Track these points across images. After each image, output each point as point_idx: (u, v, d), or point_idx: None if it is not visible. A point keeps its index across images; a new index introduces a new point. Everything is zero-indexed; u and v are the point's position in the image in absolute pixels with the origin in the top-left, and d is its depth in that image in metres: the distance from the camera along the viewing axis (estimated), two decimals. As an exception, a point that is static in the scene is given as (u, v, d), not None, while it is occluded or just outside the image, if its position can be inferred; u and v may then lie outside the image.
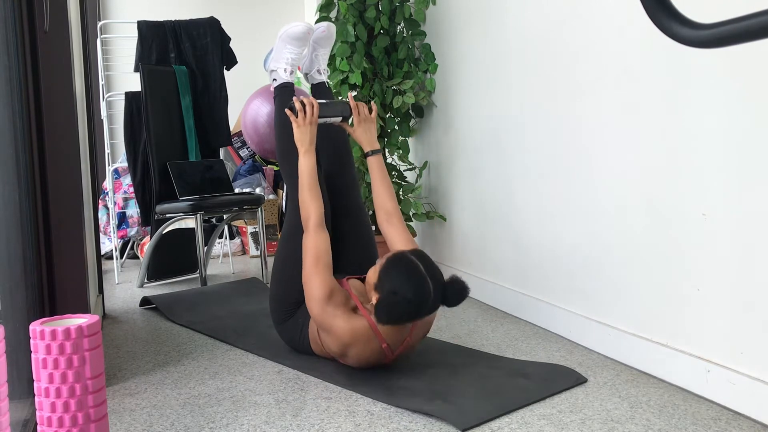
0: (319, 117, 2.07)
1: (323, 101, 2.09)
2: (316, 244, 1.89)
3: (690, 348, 1.70)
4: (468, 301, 2.83)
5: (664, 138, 1.74)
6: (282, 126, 2.25)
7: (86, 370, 1.16)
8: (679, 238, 1.71)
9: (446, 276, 2.06)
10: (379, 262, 1.76)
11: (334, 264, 2.18)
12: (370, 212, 3.23)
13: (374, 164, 2.09)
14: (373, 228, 3.05)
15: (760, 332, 1.49)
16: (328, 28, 2.40)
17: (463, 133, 2.93)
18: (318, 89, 2.45)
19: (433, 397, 1.67)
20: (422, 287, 1.66)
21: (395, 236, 2.00)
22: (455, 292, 1.72)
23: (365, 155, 2.12)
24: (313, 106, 2.03)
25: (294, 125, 2.03)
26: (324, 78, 2.46)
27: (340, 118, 2.13)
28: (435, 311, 1.73)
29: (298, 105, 2.02)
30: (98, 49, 3.77)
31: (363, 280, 2.15)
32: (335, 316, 1.79)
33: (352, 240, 2.17)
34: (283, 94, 2.29)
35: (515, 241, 2.53)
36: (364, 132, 2.12)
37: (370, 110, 2.14)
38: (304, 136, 2.02)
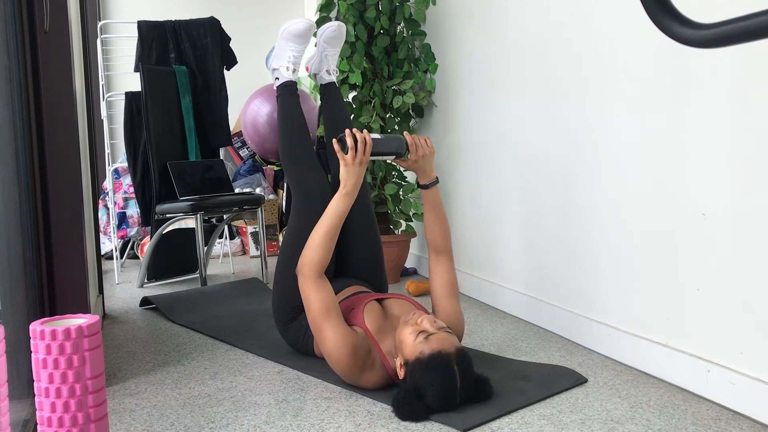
0: (372, 155, 1.80)
1: (377, 136, 1.81)
2: (321, 296, 1.73)
3: (690, 348, 1.70)
4: (468, 301, 2.83)
5: (664, 138, 1.74)
6: (285, 127, 2.20)
7: (86, 370, 1.16)
8: (679, 238, 1.71)
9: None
10: (421, 345, 1.56)
11: (338, 263, 2.17)
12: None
13: (429, 198, 1.90)
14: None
15: (760, 332, 1.49)
16: (339, 28, 2.34)
17: (463, 133, 2.93)
18: (327, 89, 2.40)
19: (433, 397, 1.67)
20: (450, 403, 1.55)
21: (439, 276, 1.90)
22: (478, 395, 1.62)
23: (421, 186, 1.91)
24: (366, 144, 1.76)
25: (341, 162, 1.76)
26: (333, 78, 2.40)
27: (393, 156, 1.86)
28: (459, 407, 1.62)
29: (350, 141, 1.74)
30: (98, 49, 3.77)
31: (366, 284, 2.14)
32: (362, 376, 1.72)
33: (357, 240, 2.14)
34: (286, 94, 2.25)
35: (515, 241, 2.53)
36: (422, 165, 1.88)
37: (427, 142, 1.89)
38: (349, 177, 1.75)
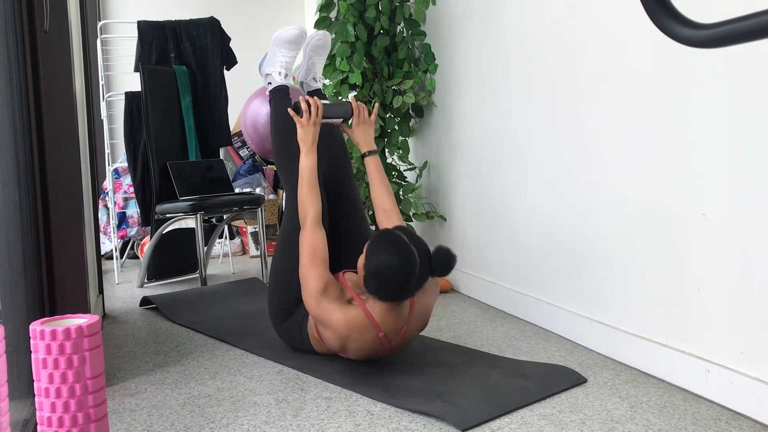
0: (323, 117, 2.11)
1: (327, 102, 2.14)
2: (312, 240, 1.92)
3: (690, 348, 1.70)
4: (468, 301, 2.83)
5: (664, 138, 1.74)
6: (278, 128, 2.26)
7: (86, 370, 1.16)
8: (679, 238, 1.71)
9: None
10: (366, 245, 1.80)
11: (331, 263, 2.18)
12: (370, 212, 3.23)
13: (372, 164, 2.13)
14: (372, 228, 3.04)
15: (760, 332, 1.49)
16: (324, 37, 2.43)
17: (463, 133, 2.93)
18: (314, 95, 2.47)
19: (432, 397, 1.67)
20: (407, 256, 1.68)
21: (391, 224, 2.06)
22: (442, 260, 1.73)
23: (363, 156, 2.15)
24: (318, 107, 2.07)
25: (298, 125, 2.06)
26: (319, 85, 2.50)
27: (341, 119, 2.17)
28: (424, 282, 1.74)
29: (303, 105, 2.05)
30: (98, 49, 3.77)
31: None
32: (331, 309, 1.81)
33: (349, 239, 2.18)
34: (279, 96, 2.31)
35: (515, 241, 2.53)
36: (362, 133, 2.16)
37: (370, 113, 2.18)
38: (307, 136, 2.05)
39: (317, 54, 2.45)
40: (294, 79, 2.55)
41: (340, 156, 2.28)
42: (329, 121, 2.15)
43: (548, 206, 2.29)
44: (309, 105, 2.06)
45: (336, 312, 1.80)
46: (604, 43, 1.95)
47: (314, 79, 2.49)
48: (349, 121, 2.18)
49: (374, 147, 2.16)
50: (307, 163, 2.04)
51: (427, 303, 1.90)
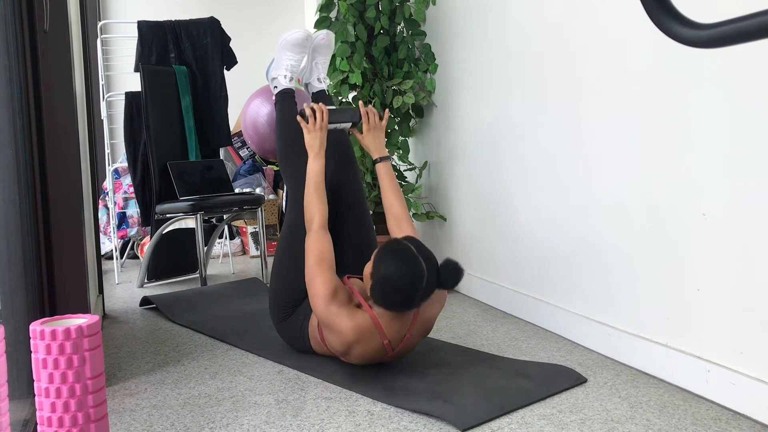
0: (329, 123, 2.10)
1: (333, 107, 2.12)
2: (319, 244, 1.91)
3: (690, 348, 1.70)
4: (468, 301, 2.83)
5: (664, 138, 1.74)
6: (282, 130, 2.26)
7: (86, 370, 1.16)
8: (679, 238, 1.71)
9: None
10: (374, 254, 1.78)
11: (336, 264, 2.17)
12: (371, 212, 3.23)
13: (383, 171, 2.11)
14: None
15: (760, 332, 1.49)
16: (327, 36, 2.41)
17: (463, 133, 2.93)
18: (318, 97, 2.46)
19: (433, 397, 1.67)
20: (415, 268, 1.68)
21: (402, 233, 2.04)
22: (450, 273, 1.73)
23: (374, 162, 2.13)
24: (323, 113, 2.06)
25: (305, 131, 2.06)
26: (324, 86, 2.48)
27: (349, 124, 2.15)
28: (431, 294, 1.74)
29: (308, 111, 2.06)
30: (98, 49, 3.77)
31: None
32: (339, 314, 1.79)
33: (354, 243, 2.17)
34: (284, 100, 2.30)
35: (515, 242, 2.53)
36: (373, 139, 2.14)
37: (381, 117, 2.16)
38: (314, 141, 2.04)
39: (320, 54, 2.44)
40: (299, 81, 2.54)
41: (346, 160, 2.27)
42: (337, 126, 2.14)
43: (548, 206, 2.29)
44: (314, 111, 2.06)
45: (345, 317, 1.78)
46: (604, 43, 1.95)
47: (318, 79, 2.47)
48: (359, 126, 2.17)
49: (385, 153, 2.14)
50: (315, 167, 2.02)
51: (432, 312, 1.90)
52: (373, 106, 3.13)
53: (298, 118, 2.07)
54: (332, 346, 1.87)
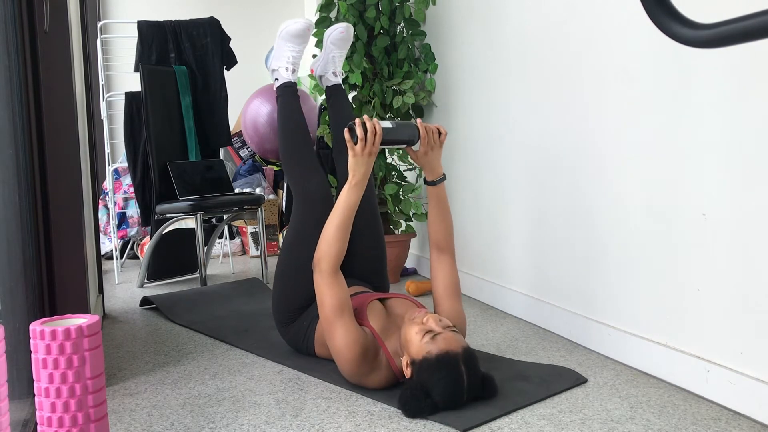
0: (382, 144, 1.76)
1: (388, 125, 1.76)
2: (336, 293, 1.70)
3: (690, 348, 1.70)
4: (468, 301, 2.83)
5: (664, 138, 1.74)
6: (284, 129, 2.19)
7: (86, 370, 1.16)
8: (679, 238, 1.71)
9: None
10: (428, 345, 1.56)
11: (346, 271, 2.12)
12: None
13: (435, 195, 1.88)
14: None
15: (760, 332, 1.49)
16: (347, 30, 2.32)
17: (463, 133, 2.93)
18: (333, 91, 2.39)
19: (433, 397, 1.67)
20: (456, 401, 1.56)
21: (440, 274, 1.89)
22: (483, 394, 1.63)
23: (427, 183, 1.89)
24: (376, 134, 1.72)
25: (350, 152, 1.73)
26: (339, 80, 2.39)
27: (404, 145, 1.84)
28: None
29: (359, 132, 1.70)
30: (98, 49, 3.77)
31: (368, 284, 2.13)
32: (368, 377, 1.72)
33: (360, 239, 2.11)
34: (286, 94, 2.24)
35: (515, 241, 2.53)
36: (430, 160, 1.86)
37: (439, 133, 1.86)
38: (359, 167, 1.73)
39: (338, 47, 2.35)
40: (312, 71, 2.47)
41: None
42: (390, 147, 1.82)
43: (548, 206, 2.29)
44: (366, 130, 1.71)
45: (374, 378, 1.72)
46: (605, 43, 1.95)
47: (334, 73, 2.38)
48: (415, 144, 1.86)
49: (441, 174, 1.88)
50: (350, 199, 1.73)
51: None
52: (373, 106, 3.13)
53: (346, 135, 1.72)
54: (349, 375, 1.76)
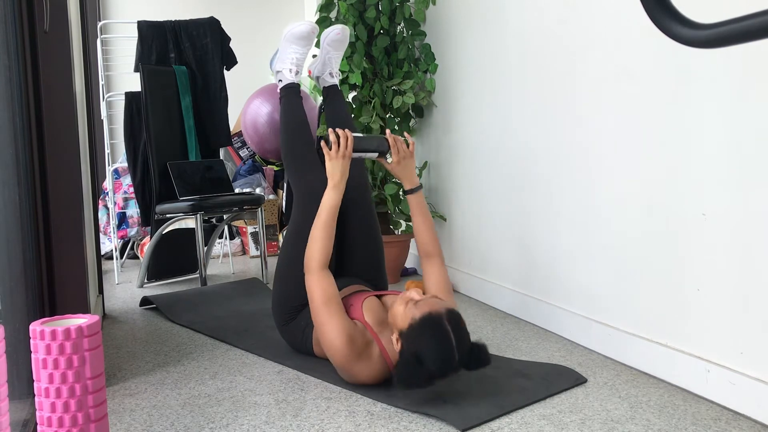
0: (354, 151, 1.95)
1: (359, 135, 1.98)
2: (323, 287, 1.78)
3: (690, 348, 1.70)
4: (468, 301, 2.83)
5: (664, 138, 1.74)
6: (287, 128, 2.22)
7: (86, 370, 1.16)
8: (679, 239, 1.71)
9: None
10: (412, 311, 1.63)
11: (339, 263, 2.16)
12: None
13: (415, 202, 1.99)
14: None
15: (760, 332, 1.49)
16: (343, 31, 2.36)
17: (463, 134, 2.93)
18: (329, 92, 2.43)
19: (433, 398, 1.67)
20: (448, 362, 1.56)
21: (432, 276, 1.96)
22: (477, 361, 1.63)
23: (405, 193, 2.01)
24: (348, 139, 1.91)
25: (326, 158, 1.90)
26: (336, 81, 2.43)
27: (376, 154, 2.00)
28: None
29: (332, 137, 1.91)
30: (98, 49, 3.77)
31: (367, 283, 2.14)
32: (358, 365, 1.73)
33: (358, 239, 2.14)
34: (289, 95, 2.28)
35: (515, 241, 2.53)
36: (404, 169, 1.99)
37: (407, 144, 2.01)
38: (335, 170, 1.89)
39: (335, 48, 2.39)
40: (309, 73, 2.50)
41: (355, 166, 2.22)
42: (362, 155, 1.98)
43: (548, 206, 2.29)
44: (338, 137, 1.91)
45: (364, 368, 1.73)
46: (604, 43, 1.95)
47: (330, 74, 2.42)
48: (387, 155, 2.01)
49: (417, 183, 2.01)
50: (331, 199, 1.87)
51: None
52: (373, 106, 3.13)
53: (321, 143, 1.92)
54: (340, 365, 1.78)
